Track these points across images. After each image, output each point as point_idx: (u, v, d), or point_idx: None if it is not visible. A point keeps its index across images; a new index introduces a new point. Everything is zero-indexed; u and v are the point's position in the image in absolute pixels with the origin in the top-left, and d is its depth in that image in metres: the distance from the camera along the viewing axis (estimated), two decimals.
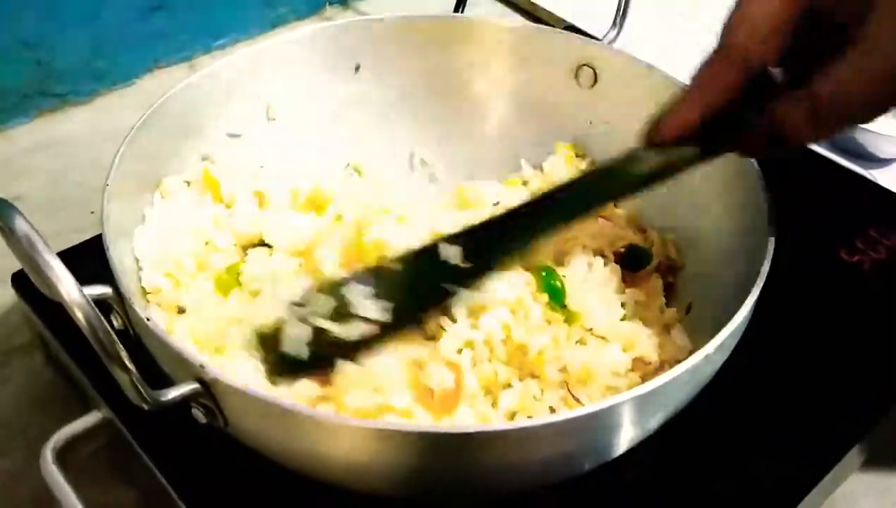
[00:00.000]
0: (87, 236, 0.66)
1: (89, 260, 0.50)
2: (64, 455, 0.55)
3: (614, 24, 0.75)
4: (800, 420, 0.59)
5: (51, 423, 0.57)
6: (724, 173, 0.59)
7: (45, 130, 0.93)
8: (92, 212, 0.72)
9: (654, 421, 0.48)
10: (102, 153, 0.57)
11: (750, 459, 0.57)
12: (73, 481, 0.53)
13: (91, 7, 0.91)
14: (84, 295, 0.37)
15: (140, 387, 0.40)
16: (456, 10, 0.93)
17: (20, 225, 0.39)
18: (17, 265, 0.44)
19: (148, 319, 0.44)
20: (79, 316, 0.37)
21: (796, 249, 0.55)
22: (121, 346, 0.38)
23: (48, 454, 0.54)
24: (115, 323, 0.48)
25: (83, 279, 0.47)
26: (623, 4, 0.74)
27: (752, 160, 0.56)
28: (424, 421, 0.50)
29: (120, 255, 0.52)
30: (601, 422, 0.44)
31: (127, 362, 0.39)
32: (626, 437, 0.47)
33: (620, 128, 0.68)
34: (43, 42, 0.90)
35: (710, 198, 0.62)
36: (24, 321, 0.70)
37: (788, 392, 0.61)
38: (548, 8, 1.11)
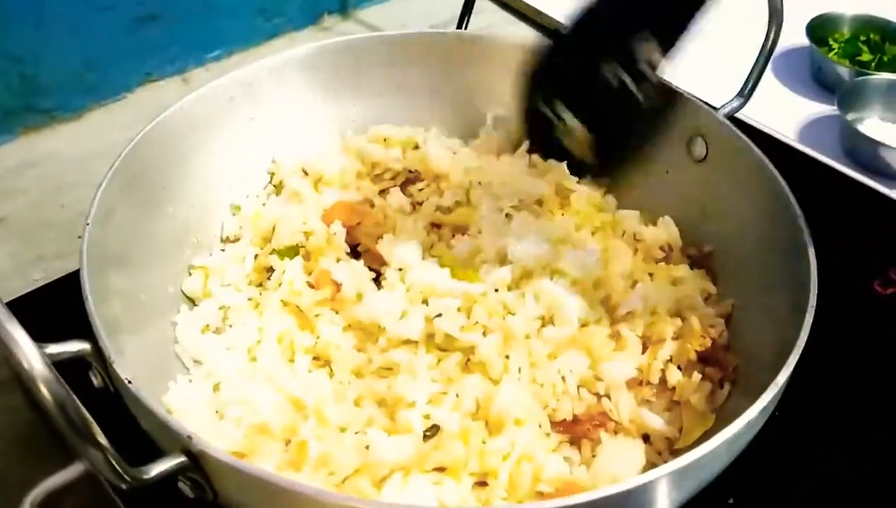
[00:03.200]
0: (70, 263, 0.61)
1: (69, 297, 0.46)
2: None
3: None
4: (843, 471, 0.56)
5: (31, 469, 0.54)
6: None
7: (31, 148, 0.88)
8: (79, 237, 0.69)
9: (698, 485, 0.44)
10: (91, 172, 0.54)
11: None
12: None
13: (79, 17, 0.86)
14: (52, 369, 0.33)
15: (117, 466, 0.35)
16: (460, 21, 0.89)
17: None
18: None
19: (129, 382, 0.40)
20: (44, 392, 0.32)
21: (829, 284, 0.51)
22: (95, 426, 0.34)
23: None
24: (94, 380, 0.44)
25: (57, 325, 0.43)
26: None
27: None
28: None
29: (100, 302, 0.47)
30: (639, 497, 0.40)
31: (101, 440, 0.34)
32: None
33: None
34: (28, 55, 0.85)
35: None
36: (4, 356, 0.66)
37: (828, 442, 0.58)
38: (554, 16, 1.05)
